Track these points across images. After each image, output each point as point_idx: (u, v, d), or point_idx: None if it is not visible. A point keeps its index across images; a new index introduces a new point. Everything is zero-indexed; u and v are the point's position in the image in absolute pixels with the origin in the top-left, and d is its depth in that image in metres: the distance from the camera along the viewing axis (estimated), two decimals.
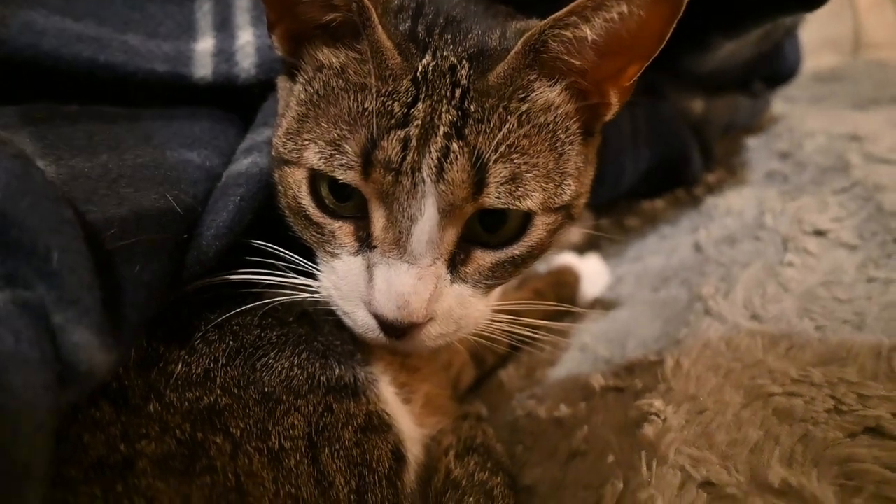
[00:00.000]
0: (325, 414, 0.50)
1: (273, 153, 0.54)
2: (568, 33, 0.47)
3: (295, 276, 0.53)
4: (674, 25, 0.47)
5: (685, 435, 0.52)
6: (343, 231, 0.52)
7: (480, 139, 0.47)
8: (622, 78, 0.52)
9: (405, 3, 0.54)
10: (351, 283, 0.51)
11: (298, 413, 0.49)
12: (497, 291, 0.58)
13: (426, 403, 0.62)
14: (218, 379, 0.48)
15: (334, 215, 0.52)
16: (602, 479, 0.53)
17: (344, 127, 0.48)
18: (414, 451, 0.56)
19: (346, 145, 0.48)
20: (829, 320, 0.61)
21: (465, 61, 0.49)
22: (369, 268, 0.50)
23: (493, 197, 0.48)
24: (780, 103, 1.20)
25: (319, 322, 0.56)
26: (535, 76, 0.50)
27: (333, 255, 0.52)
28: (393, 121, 0.47)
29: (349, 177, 0.48)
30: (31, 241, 0.35)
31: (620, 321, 0.78)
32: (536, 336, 0.61)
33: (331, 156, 0.48)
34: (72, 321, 0.34)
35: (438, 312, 0.51)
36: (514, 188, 0.48)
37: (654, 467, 0.49)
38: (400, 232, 0.48)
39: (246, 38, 0.60)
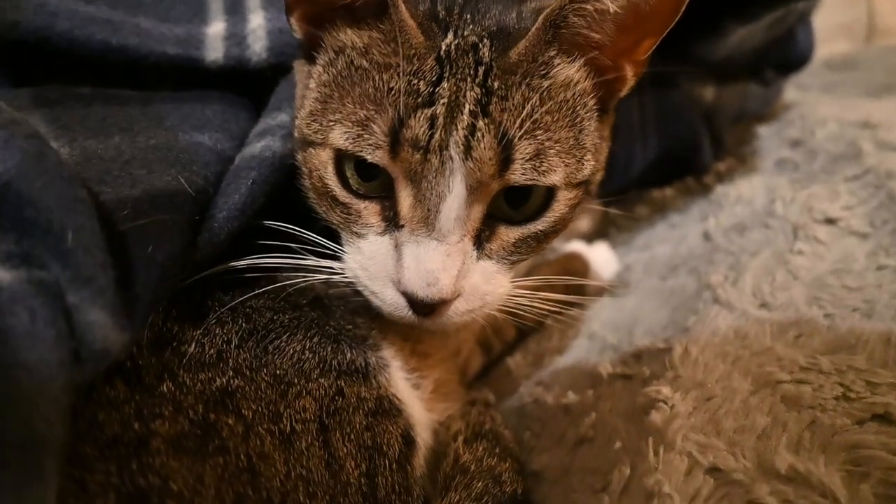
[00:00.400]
0: (337, 397, 0.50)
1: (296, 135, 0.55)
2: (589, 6, 0.48)
3: (314, 258, 0.54)
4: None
5: (692, 421, 0.52)
6: (369, 211, 0.52)
7: (505, 116, 0.48)
8: (638, 51, 0.53)
9: None
10: (379, 262, 0.52)
11: (310, 396, 0.49)
12: (523, 266, 0.59)
13: (436, 389, 0.62)
14: (230, 360, 0.48)
15: (360, 195, 0.52)
16: (609, 465, 0.54)
17: (370, 107, 0.49)
18: (423, 435, 0.56)
19: (373, 125, 0.48)
20: (838, 308, 0.61)
21: (486, 39, 0.50)
22: (397, 247, 0.51)
23: (519, 173, 0.49)
24: (792, 91, 1.18)
25: (332, 306, 0.57)
26: (554, 52, 0.51)
27: (360, 236, 0.53)
28: (419, 99, 0.48)
29: (378, 156, 0.49)
30: (47, 220, 0.35)
31: (628, 309, 0.78)
32: (551, 311, 0.62)
33: (358, 136, 0.49)
34: (86, 300, 0.35)
35: (466, 289, 0.51)
36: (538, 164, 0.49)
37: (662, 453, 0.50)
38: (428, 210, 0.49)
39: (257, 22, 0.61)
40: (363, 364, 0.54)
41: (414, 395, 0.59)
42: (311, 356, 0.52)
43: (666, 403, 0.55)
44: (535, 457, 0.63)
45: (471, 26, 0.51)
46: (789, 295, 0.65)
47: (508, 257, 0.54)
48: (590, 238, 0.94)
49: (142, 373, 0.44)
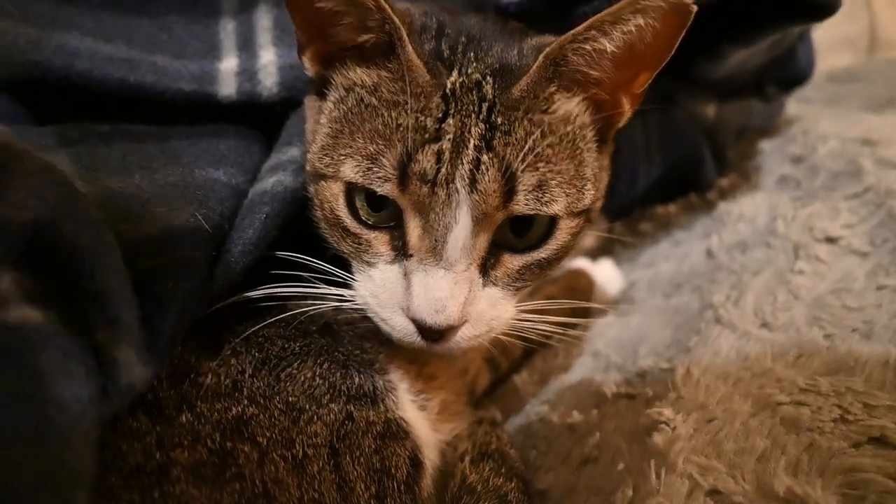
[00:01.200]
0: (346, 422, 0.52)
1: (308, 168, 0.57)
2: (588, 46, 0.50)
3: (325, 286, 0.56)
4: (683, 34, 0.49)
5: (694, 444, 0.53)
6: (379, 241, 0.54)
7: (508, 150, 0.50)
8: (634, 85, 0.55)
9: (427, 22, 0.57)
10: (389, 290, 0.54)
11: (321, 421, 0.51)
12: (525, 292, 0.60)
13: (442, 410, 0.64)
14: (245, 390, 0.50)
15: (370, 226, 0.54)
16: (613, 486, 0.55)
17: (380, 142, 0.51)
18: (430, 456, 0.58)
19: (383, 159, 0.51)
20: (837, 328, 0.62)
21: (489, 77, 0.52)
22: (406, 275, 0.53)
23: (523, 204, 0.51)
24: (795, 104, 1.19)
25: (340, 332, 0.59)
26: (555, 88, 0.53)
27: (370, 265, 0.55)
28: (427, 135, 0.50)
29: (387, 189, 0.51)
30: (78, 262, 0.37)
31: (633, 327, 0.79)
32: (556, 332, 0.63)
33: (368, 169, 0.51)
34: (114, 339, 0.37)
35: (472, 315, 0.54)
36: (540, 195, 0.51)
37: (663, 475, 0.51)
38: (436, 240, 0.51)
39: (268, 58, 0.63)
40: (371, 388, 0.56)
41: (420, 416, 0.60)
42: (321, 382, 0.53)
43: (668, 425, 0.56)
44: (541, 475, 0.64)
45: (474, 64, 0.53)
46: (790, 315, 0.66)
47: (513, 284, 0.56)
48: (595, 255, 0.95)
49: (162, 404, 0.46)
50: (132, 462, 0.43)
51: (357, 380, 0.55)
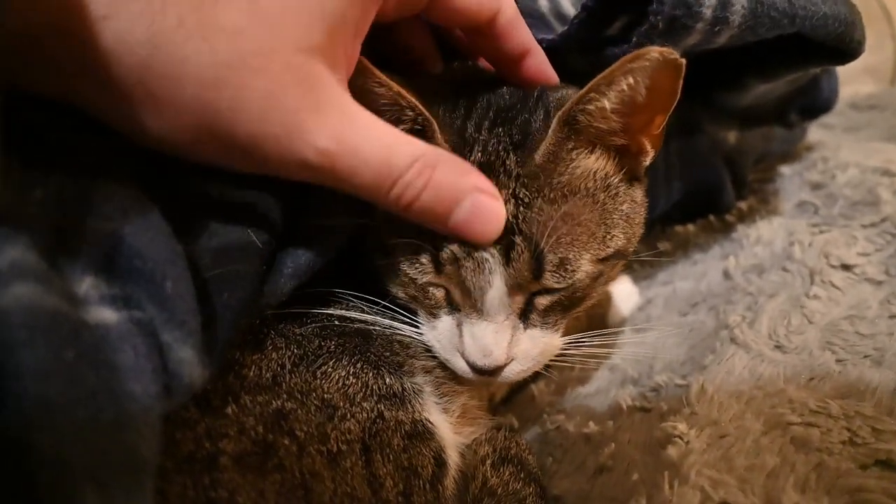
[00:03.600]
0: (378, 420, 0.55)
1: (376, 236, 0.61)
2: (591, 106, 0.53)
3: (399, 324, 0.63)
4: (681, 82, 0.52)
5: (706, 458, 0.55)
6: (439, 295, 0.60)
7: (534, 228, 0.53)
8: (651, 128, 0.58)
9: (457, 103, 0.59)
10: (447, 337, 0.61)
11: (354, 419, 0.54)
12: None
13: (462, 414, 0.66)
14: (284, 384, 0.53)
15: (432, 283, 0.60)
16: (627, 495, 0.57)
17: (415, 237, 0.56)
18: (453, 457, 0.61)
19: (421, 256, 0.57)
20: (850, 354, 0.64)
21: (511, 151, 0.55)
22: (458, 325, 0.59)
23: (552, 281, 0.56)
24: (816, 130, 1.21)
25: (372, 334, 0.62)
26: (572, 146, 0.56)
27: (434, 316, 0.62)
28: None
29: (427, 279, 0.58)
30: (151, 270, 0.40)
31: (649, 343, 0.81)
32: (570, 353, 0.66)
33: (411, 263, 0.58)
34: (178, 340, 0.40)
35: (518, 354, 0.59)
36: (564, 272, 0.56)
37: (676, 487, 0.53)
38: (475, 300, 0.56)
39: None
40: (400, 389, 0.59)
41: (443, 419, 0.63)
42: (354, 381, 0.56)
43: (682, 439, 0.58)
44: (556, 482, 0.67)
45: (499, 139, 0.56)
46: (804, 338, 0.68)
47: (548, 320, 0.60)
48: None
49: (210, 396, 0.49)
50: (185, 449, 0.46)
51: (388, 380, 0.58)
